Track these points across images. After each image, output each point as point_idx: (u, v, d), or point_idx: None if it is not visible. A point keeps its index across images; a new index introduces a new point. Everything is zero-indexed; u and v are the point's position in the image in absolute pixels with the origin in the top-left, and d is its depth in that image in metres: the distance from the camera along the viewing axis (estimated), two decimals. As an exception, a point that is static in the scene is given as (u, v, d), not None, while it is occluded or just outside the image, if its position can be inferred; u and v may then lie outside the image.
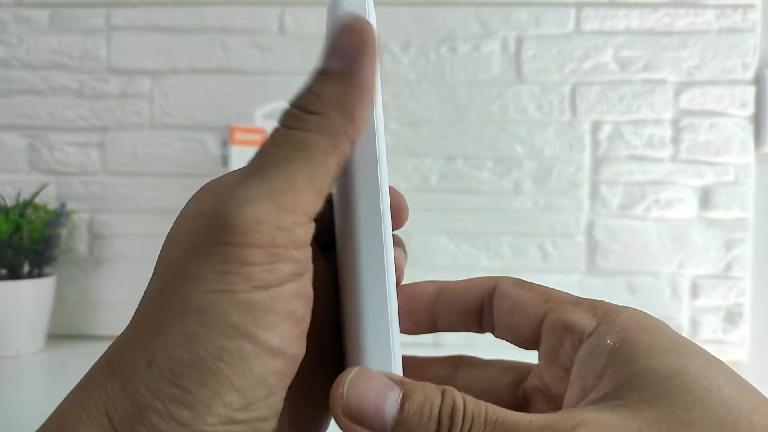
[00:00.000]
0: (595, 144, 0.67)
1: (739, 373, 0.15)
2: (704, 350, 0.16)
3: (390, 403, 0.15)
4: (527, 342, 0.20)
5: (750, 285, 0.67)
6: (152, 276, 0.16)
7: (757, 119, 0.66)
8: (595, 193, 0.67)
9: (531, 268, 0.67)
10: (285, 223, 0.15)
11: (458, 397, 0.15)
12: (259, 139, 0.58)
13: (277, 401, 0.15)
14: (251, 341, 0.14)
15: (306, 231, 0.15)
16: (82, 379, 0.15)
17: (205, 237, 0.14)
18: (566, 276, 0.67)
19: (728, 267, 0.66)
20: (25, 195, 0.64)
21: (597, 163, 0.67)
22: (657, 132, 0.67)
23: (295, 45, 0.68)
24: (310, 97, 0.16)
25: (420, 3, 0.67)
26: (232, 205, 0.14)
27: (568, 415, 0.15)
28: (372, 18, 0.18)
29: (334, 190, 0.19)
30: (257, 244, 0.14)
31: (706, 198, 0.66)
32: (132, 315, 0.16)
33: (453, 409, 0.15)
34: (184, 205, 0.17)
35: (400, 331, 0.19)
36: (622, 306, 0.18)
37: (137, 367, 0.14)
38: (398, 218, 0.19)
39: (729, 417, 0.13)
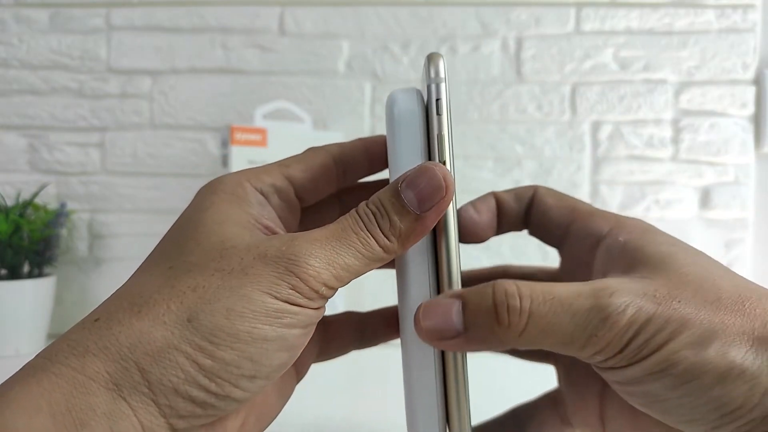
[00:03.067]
0: (595, 144, 0.67)
1: None
2: (685, 243, 0.22)
3: (456, 313, 0.20)
4: (554, 241, 0.26)
5: (750, 285, 0.67)
6: (187, 241, 0.20)
7: (757, 119, 0.66)
8: (595, 193, 0.67)
9: (531, 268, 0.67)
10: (331, 285, 0.19)
11: (509, 283, 0.19)
12: (259, 139, 0.58)
13: (269, 383, 0.19)
14: (273, 337, 0.18)
15: (329, 298, 0.20)
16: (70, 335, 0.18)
17: (275, 255, 0.18)
18: (566, 276, 0.67)
19: (728, 267, 0.66)
20: (25, 195, 0.64)
21: (597, 163, 0.67)
22: (657, 132, 0.67)
23: (295, 45, 0.68)
24: (385, 220, 0.20)
25: (420, 3, 0.67)
26: (307, 254, 0.19)
27: (603, 284, 0.19)
28: (444, 94, 0.21)
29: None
30: (308, 285, 0.18)
31: (706, 198, 0.66)
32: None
33: (506, 294, 0.19)
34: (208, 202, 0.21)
35: (471, 242, 0.26)
36: (627, 216, 0.24)
37: (176, 318, 0.17)
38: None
39: (705, 279, 0.19)
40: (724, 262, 0.66)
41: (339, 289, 0.20)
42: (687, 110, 0.67)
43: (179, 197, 0.68)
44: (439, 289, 0.21)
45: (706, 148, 0.66)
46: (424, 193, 0.20)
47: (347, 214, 0.20)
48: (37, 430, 0.15)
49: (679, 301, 0.18)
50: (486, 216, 0.26)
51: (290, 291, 0.18)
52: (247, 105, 0.67)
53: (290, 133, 0.61)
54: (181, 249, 0.20)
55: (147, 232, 0.67)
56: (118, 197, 0.68)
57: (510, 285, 0.19)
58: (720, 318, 0.18)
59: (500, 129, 0.67)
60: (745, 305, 0.18)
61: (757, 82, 0.66)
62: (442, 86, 0.20)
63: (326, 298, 0.19)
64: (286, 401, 0.25)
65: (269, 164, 0.23)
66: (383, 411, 0.28)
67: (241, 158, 0.57)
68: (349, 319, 0.28)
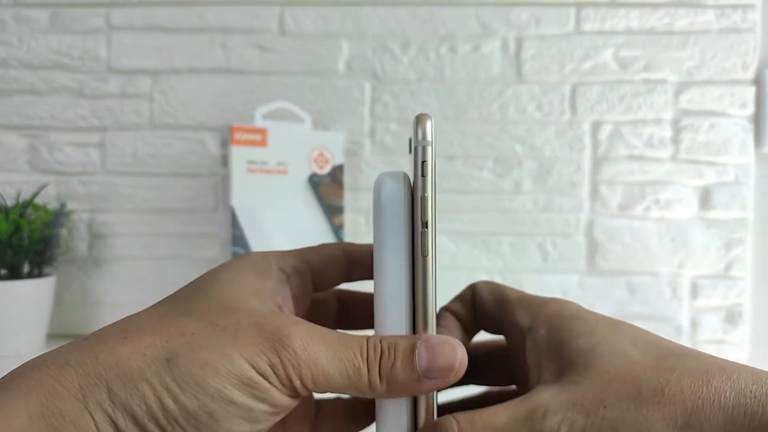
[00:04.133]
0: (595, 144, 0.67)
1: None
2: (607, 320, 0.22)
3: None
4: (497, 333, 0.27)
5: (750, 285, 0.67)
6: (200, 291, 0.21)
7: (757, 119, 0.66)
8: (595, 193, 0.67)
9: (531, 268, 0.67)
10: (306, 383, 0.19)
11: (450, 420, 0.20)
12: (259, 139, 0.58)
13: None
14: (239, 402, 0.18)
15: (301, 396, 0.20)
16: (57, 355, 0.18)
17: (271, 330, 0.19)
18: (566, 276, 0.67)
19: (728, 267, 0.66)
20: (25, 195, 0.64)
21: (597, 163, 0.67)
22: (657, 132, 0.67)
23: (295, 45, 0.68)
24: (389, 363, 0.20)
25: (420, 3, 0.67)
26: (299, 343, 0.19)
27: (536, 403, 0.20)
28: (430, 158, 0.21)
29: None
30: (284, 370, 0.19)
31: (706, 198, 0.66)
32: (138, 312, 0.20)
33: None
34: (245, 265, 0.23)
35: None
36: (550, 298, 0.24)
37: (156, 354, 0.18)
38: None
39: (625, 372, 0.19)
40: (723, 262, 0.66)
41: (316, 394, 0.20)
42: (687, 110, 0.67)
43: (179, 197, 0.68)
44: (414, 327, 0.22)
45: (706, 148, 0.66)
46: (436, 365, 0.20)
47: (356, 337, 0.21)
48: (15, 427, 0.16)
49: (605, 407, 0.19)
50: (457, 335, 0.26)
51: (267, 368, 0.18)
52: (247, 105, 0.67)
53: (290, 133, 0.61)
54: (191, 296, 0.21)
55: (147, 232, 0.67)
56: (118, 197, 0.68)
57: (451, 422, 0.20)
58: (644, 415, 0.18)
59: (500, 129, 0.67)
60: (664, 392, 0.18)
61: (757, 82, 0.66)
62: (429, 149, 0.21)
63: (298, 394, 0.19)
64: None
65: (290, 250, 0.25)
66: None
67: (241, 158, 0.57)
68: (338, 402, 0.28)
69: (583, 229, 0.67)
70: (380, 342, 0.21)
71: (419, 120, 0.21)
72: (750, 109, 0.66)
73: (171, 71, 0.68)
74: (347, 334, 0.20)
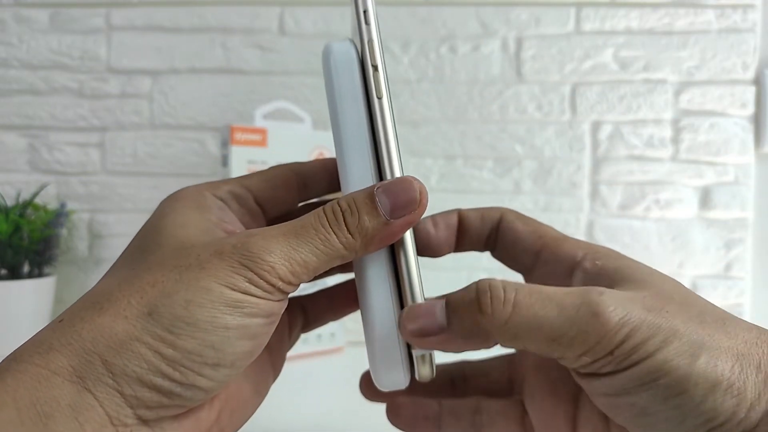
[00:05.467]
0: (595, 144, 0.67)
1: None
2: (653, 270, 0.21)
3: (439, 310, 0.20)
4: (521, 267, 0.26)
5: (750, 285, 0.67)
6: (149, 244, 0.21)
7: (757, 119, 0.66)
8: (595, 193, 0.67)
9: (531, 268, 0.67)
10: (288, 280, 0.19)
11: (493, 279, 0.20)
12: (259, 139, 0.58)
13: (235, 372, 0.19)
14: (234, 325, 0.18)
15: (289, 293, 0.20)
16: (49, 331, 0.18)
17: (230, 251, 0.19)
18: (566, 276, 0.67)
19: (728, 267, 0.66)
20: (25, 195, 0.64)
21: (597, 163, 0.67)
22: (657, 132, 0.67)
23: (295, 45, 0.68)
24: (354, 218, 0.20)
25: (420, 3, 0.67)
26: (262, 250, 0.19)
27: (592, 287, 0.19)
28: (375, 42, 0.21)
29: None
30: (263, 279, 0.19)
31: (706, 198, 0.66)
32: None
33: (490, 285, 0.19)
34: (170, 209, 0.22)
35: (426, 255, 0.26)
36: (597, 244, 0.24)
37: (137, 312, 0.17)
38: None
39: (686, 296, 0.19)
40: (723, 262, 0.67)
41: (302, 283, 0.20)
42: (687, 110, 0.67)
43: (179, 197, 0.68)
44: (402, 302, 0.21)
45: (706, 148, 0.66)
46: (398, 202, 0.20)
47: (311, 212, 0.20)
48: (3, 423, 0.15)
49: (667, 311, 0.18)
50: (443, 232, 0.26)
51: (247, 284, 0.18)
52: (247, 105, 0.67)
53: (290, 133, 0.61)
54: (143, 252, 0.20)
55: (147, 232, 0.67)
56: (118, 197, 0.68)
57: (494, 280, 0.20)
58: (706, 332, 0.18)
59: (500, 129, 0.67)
60: (725, 324, 0.18)
61: (757, 82, 0.66)
62: None
63: (286, 293, 0.20)
64: (263, 398, 0.25)
65: (229, 178, 0.25)
66: (382, 409, 0.28)
67: (241, 158, 0.57)
68: (321, 296, 0.29)
69: (583, 229, 0.67)
70: (337, 203, 0.20)
71: None
72: (750, 109, 0.66)
73: (171, 71, 0.68)
74: (299, 219, 0.20)
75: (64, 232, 0.66)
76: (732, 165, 0.66)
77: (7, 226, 0.57)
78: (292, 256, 0.19)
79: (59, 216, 0.62)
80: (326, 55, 0.22)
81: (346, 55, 0.21)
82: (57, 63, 0.68)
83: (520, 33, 0.67)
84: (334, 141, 0.22)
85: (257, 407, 0.25)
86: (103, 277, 0.21)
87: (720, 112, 0.66)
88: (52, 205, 0.64)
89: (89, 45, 0.68)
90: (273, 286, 0.19)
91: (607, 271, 0.21)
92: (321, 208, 0.20)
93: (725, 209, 0.66)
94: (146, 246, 0.21)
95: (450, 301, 0.20)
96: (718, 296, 0.66)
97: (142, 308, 0.18)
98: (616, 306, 0.18)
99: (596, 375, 0.19)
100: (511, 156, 0.67)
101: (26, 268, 0.60)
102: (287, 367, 0.29)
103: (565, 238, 0.24)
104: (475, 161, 0.67)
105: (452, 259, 0.67)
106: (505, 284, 0.19)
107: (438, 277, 0.67)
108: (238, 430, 0.23)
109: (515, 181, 0.67)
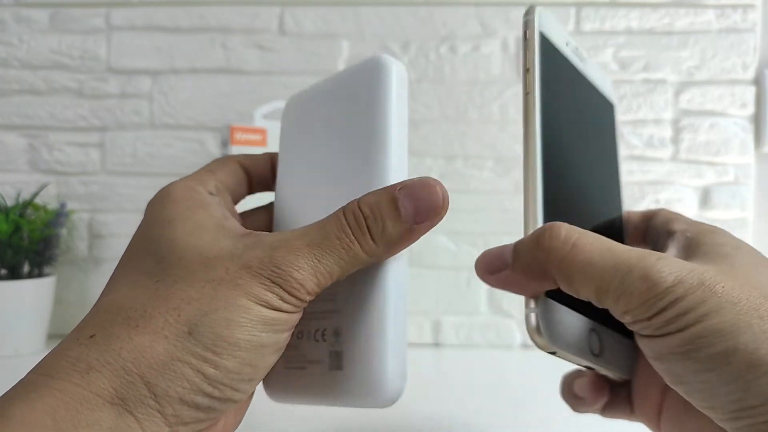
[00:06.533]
0: (595, 144, 0.67)
1: None
2: (754, 250, 0.21)
3: (508, 252, 0.21)
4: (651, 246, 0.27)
5: (750, 285, 0.67)
6: (166, 254, 0.20)
7: (757, 119, 0.66)
8: (595, 193, 0.67)
9: (531, 268, 0.67)
10: (314, 291, 0.20)
11: (557, 222, 0.20)
12: (259, 139, 0.58)
13: (258, 382, 0.20)
14: (268, 342, 0.19)
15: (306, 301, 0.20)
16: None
17: (259, 266, 0.19)
18: (566, 276, 0.67)
19: None
20: (25, 195, 0.64)
21: (597, 163, 0.67)
22: (657, 132, 0.67)
23: (295, 45, 0.68)
24: (378, 225, 0.20)
25: (420, 3, 0.67)
26: (290, 266, 0.19)
27: (654, 252, 0.19)
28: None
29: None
30: (293, 296, 0.19)
31: (706, 198, 0.66)
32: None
33: (553, 225, 0.20)
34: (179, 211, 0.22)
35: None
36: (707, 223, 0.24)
37: (176, 332, 0.18)
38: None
39: (754, 275, 0.19)
40: (724, 262, 0.66)
41: None
42: (687, 110, 0.67)
43: (179, 197, 0.68)
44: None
45: (706, 148, 0.66)
46: (422, 208, 0.20)
47: (331, 218, 0.20)
48: None
49: (723, 287, 0.17)
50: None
51: (280, 302, 0.19)
52: (247, 105, 0.67)
53: (290, 133, 0.61)
54: (160, 262, 0.20)
55: (147, 232, 0.67)
56: (118, 197, 0.68)
57: (558, 222, 0.20)
58: (757, 314, 0.17)
59: (500, 129, 0.67)
60: None
61: (757, 82, 0.66)
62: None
63: (308, 302, 0.20)
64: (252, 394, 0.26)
65: (199, 171, 0.25)
66: (382, 410, 0.28)
67: (241, 158, 0.57)
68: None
69: (583, 229, 0.67)
70: (358, 208, 0.20)
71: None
72: (750, 109, 0.66)
73: (171, 71, 0.68)
74: (322, 228, 0.20)
75: (64, 232, 0.66)
76: (732, 165, 0.66)
77: (7, 226, 0.57)
78: (317, 269, 0.19)
79: (59, 216, 0.62)
80: (384, 67, 0.23)
81: (404, 73, 0.24)
82: (57, 63, 0.68)
83: (520, 33, 0.67)
84: (369, 143, 0.22)
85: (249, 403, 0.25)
86: (118, 284, 0.20)
87: (720, 112, 0.66)
88: (52, 205, 0.64)
89: (89, 45, 0.68)
90: (302, 301, 0.19)
91: (690, 243, 0.22)
92: (341, 213, 0.20)
93: (725, 209, 0.66)
94: (162, 255, 0.20)
95: (517, 242, 0.21)
96: (718, 296, 0.66)
97: (181, 327, 0.18)
98: (669, 273, 0.18)
99: (639, 335, 0.19)
100: (511, 156, 0.67)
101: (26, 268, 0.60)
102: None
103: (686, 220, 0.25)
104: (475, 161, 0.67)
105: (451, 258, 0.67)
106: (569, 227, 0.20)
107: (438, 277, 0.67)
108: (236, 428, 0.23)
109: (515, 181, 0.67)
